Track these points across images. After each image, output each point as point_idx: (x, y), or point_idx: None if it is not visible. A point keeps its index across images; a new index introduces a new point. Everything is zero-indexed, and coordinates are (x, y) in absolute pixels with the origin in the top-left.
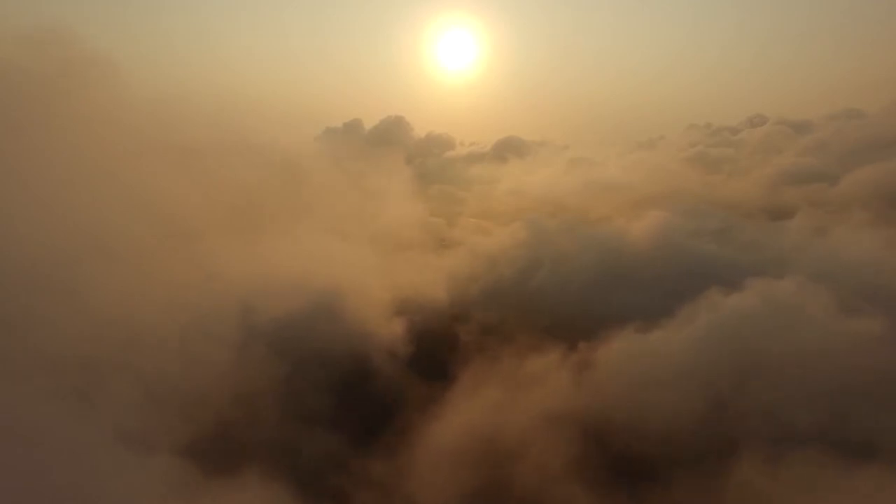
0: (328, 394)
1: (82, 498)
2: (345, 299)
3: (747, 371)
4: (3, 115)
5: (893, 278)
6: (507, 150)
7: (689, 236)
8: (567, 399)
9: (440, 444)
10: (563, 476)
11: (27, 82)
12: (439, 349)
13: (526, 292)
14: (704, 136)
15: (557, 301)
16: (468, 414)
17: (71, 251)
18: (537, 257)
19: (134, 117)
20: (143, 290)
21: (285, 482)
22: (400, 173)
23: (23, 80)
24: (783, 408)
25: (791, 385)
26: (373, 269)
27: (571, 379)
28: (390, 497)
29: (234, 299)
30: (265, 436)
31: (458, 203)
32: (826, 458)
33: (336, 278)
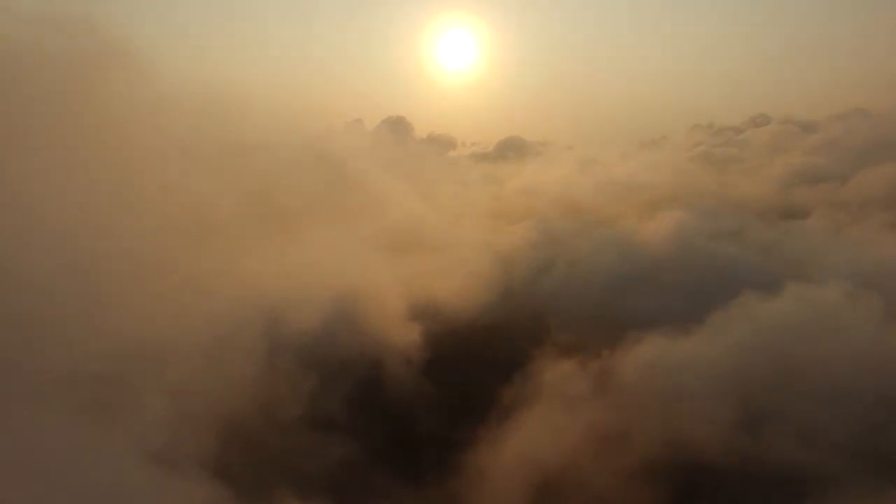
0: (353, 404)
1: None
2: (362, 304)
3: (790, 381)
4: (11, 107)
5: None
6: (510, 150)
7: (707, 237)
8: (595, 409)
9: (486, 467)
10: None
11: (42, 71)
12: (455, 355)
13: (542, 295)
14: (708, 135)
15: (576, 304)
16: (495, 426)
17: (88, 258)
18: (551, 259)
19: (153, 116)
20: (161, 295)
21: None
22: (407, 173)
23: (37, 69)
24: (826, 418)
25: (835, 395)
26: (386, 271)
27: (599, 388)
28: None
29: (249, 304)
30: (291, 451)
31: (464, 203)
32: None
33: (353, 283)
